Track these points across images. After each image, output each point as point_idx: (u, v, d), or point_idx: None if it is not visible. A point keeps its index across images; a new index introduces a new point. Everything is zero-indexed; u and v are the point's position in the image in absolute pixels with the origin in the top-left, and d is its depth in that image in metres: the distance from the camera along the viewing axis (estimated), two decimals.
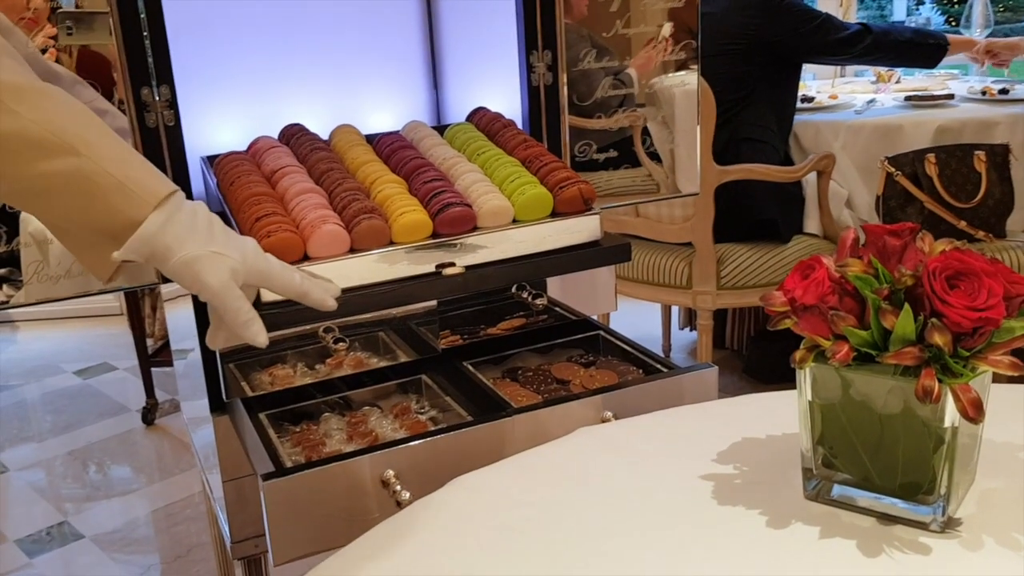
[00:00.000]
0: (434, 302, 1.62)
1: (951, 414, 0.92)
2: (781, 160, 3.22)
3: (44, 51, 1.51)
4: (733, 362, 3.89)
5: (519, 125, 1.82)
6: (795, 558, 0.94)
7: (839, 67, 4.29)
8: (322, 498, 1.36)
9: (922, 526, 0.96)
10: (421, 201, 1.55)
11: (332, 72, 1.93)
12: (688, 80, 1.99)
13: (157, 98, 1.54)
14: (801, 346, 0.98)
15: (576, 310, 1.78)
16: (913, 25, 4.05)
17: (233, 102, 1.86)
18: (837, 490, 1.02)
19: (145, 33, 1.51)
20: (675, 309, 4.05)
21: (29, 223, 1.52)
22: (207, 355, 1.62)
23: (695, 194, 2.13)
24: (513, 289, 1.69)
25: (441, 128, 1.84)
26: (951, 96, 3.58)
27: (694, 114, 2.03)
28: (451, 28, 1.99)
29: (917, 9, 9.01)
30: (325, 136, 1.81)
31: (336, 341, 1.57)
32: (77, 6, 1.53)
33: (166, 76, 1.54)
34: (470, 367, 1.72)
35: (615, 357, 1.78)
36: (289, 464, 1.48)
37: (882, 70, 3.98)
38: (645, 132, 1.99)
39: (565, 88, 1.83)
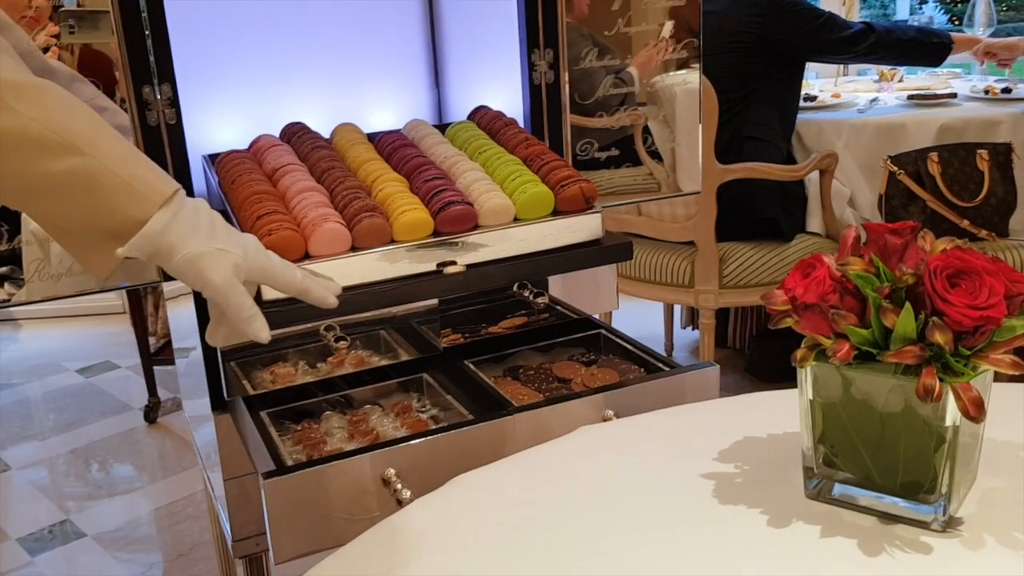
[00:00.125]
0: (435, 300, 1.62)
1: (952, 413, 0.92)
2: (784, 159, 3.22)
3: (46, 50, 1.51)
4: (735, 361, 3.89)
5: (520, 124, 1.82)
6: (796, 557, 0.94)
7: (842, 66, 4.28)
8: (323, 497, 1.36)
9: (923, 525, 0.96)
10: (422, 199, 1.55)
11: (333, 71, 1.93)
12: (690, 79, 1.99)
13: (159, 96, 1.54)
14: (802, 345, 0.98)
15: (577, 309, 1.78)
16: (916, 24, 4.04)
17: (235, 101, 1.86)
18: (838, 489, 1.02)
19: (147, 31, 1.51)
20: (677, 308, 4.04)
21: (31, 221, 1.52)
22: (209, 354, 1.62)
23: (697, 192, 2.12)
24: (514, 288, 1.69)
25: (442, 127, 1.84)
26: (954, 95, 3.58)
27: (696, 113, 2.03)
28: (452, 26, 1.99)
29: (920, 8, 9.00)
30: (326, 135, 1.81)
31: (337, 339, 1.57)
32: (79, 5, 1.53)
33: (168, 74, 1.54)
34: (471, 366, 1.72)
35: (616, 356, 1.78)
36: (290, 463, 1.49)
37: (885, 69, 3.98)
38: (646, 131, 1.98)
39: (567, 87, 1.83)
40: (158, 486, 3.32)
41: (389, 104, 2.01)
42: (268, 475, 1.34)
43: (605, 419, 1.50)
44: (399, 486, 1.38)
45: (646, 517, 1.03)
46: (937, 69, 3.93)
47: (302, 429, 1.63)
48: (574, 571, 0.95)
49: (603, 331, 1.82)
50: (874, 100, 3.65)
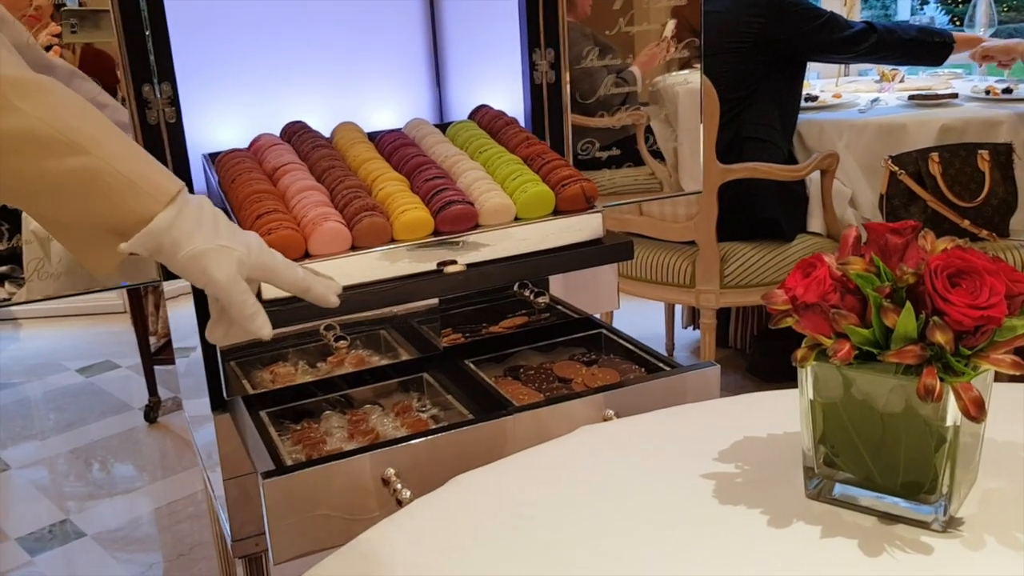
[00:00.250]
0: (435, 300, 1.62)
1: (953, 413, 0.92)
2: (785, 159, 3.22)
3: (48, 48, 1.51)
4: (736, 361, 3.89)
5: (521, 123, 1.82)
6: (796, 557, 0.93)
7: (843, 66, 4.28)
8: (323, 496, 1.36)
9: (924, 525, 0.96)
10: (423, 199, 1.55)
11: (334, 70, 1.93)
12: (691, 78, 1.99)
13: (159, 95, 1.54)
14: (803, 345, 0.98)
15: (578, 308, 1.78)
16: (917, 24, 4.04)
17: (235, 100, 1.86)
18: (839, 489, 1.02)
19: (147, 30, 1.51)
20: (678, 308, 4.04)
21: (31, 220, 1.52)
22: (208, 353, 1.62)
23: (698, 192, 2.12)
24: (515, 287, 1.69)
25: (443, 126, 1.84)
26: (955, 95, 3.58)
27: (697, 112, 2.03)
28: (453, 26, 1.99)
29: (921, 8, 9.01)
30: (327, 134, 1.80)
31: (337, 339, 1.57)
32: (81, 4, 1.53)
33: (168, 73, 1.54)
34: (471, 365, 1.72)
35: (617, 355, 1.77)
36: (290, 462, 1.48)
37: (886, 69, 3.98)
38: (648, 130, 1.98)
39: (568, 86, 1.82)
40: (158, 486, 3.32)
41: (390, 103, 2.01)
42: (267, 475, 1.34)
43: (605, 419, 1.50)
44: (399, 486, 1.38)
45: (646, 517, 1.03)
46: (938, 69, 3.93)
47: (302, 429, 1.63)
48: (574, 571, 0.95)
49: (604, 331, 1.82)
50: (875, 100, 3.64)
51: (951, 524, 0.96)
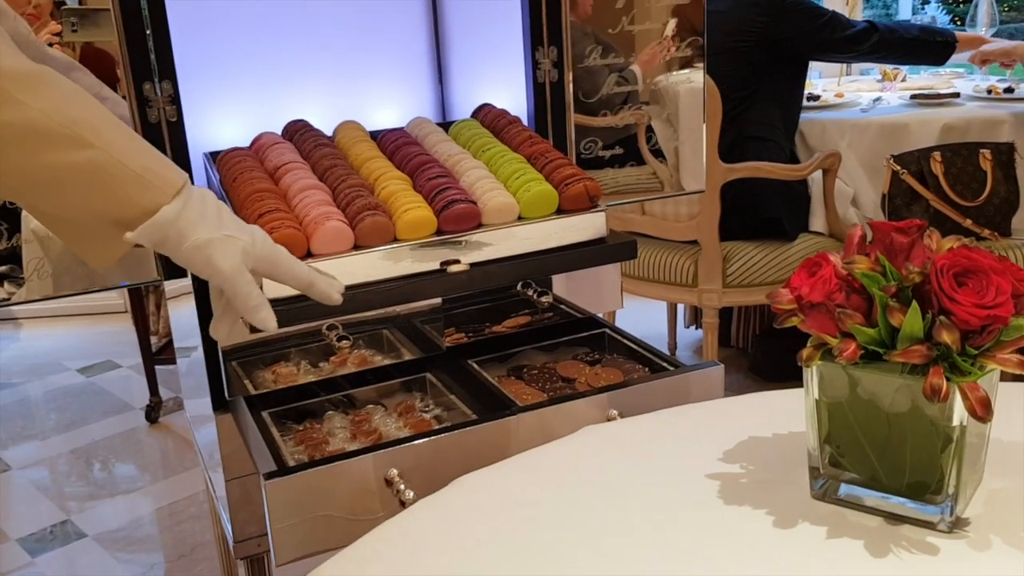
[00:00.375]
0: (438, 300, 1.62)
1: (959, 413, 0.91)
2: (787, 158, 3.22)
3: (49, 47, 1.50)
4: (739, 360, 3.88)
5: (524, 122, 1.81)
6: (801, 558, 0.93)
7: (845, 65, 4.28)
8: (325, 497, 1.36)
9: (929, 526, 0.95)
10: (425, 198, 1.54)
11: (336, 68, 1.93)
12: (693, 78, 1.98)
13: (159, 93, 1.53)
14: (808, 344, 0.98)
15: (581, 308, 1.78)
16: (919, 23, 4.04)
17: (236, 98, 1.85)
18: (844, 489, 1.01)
19: (147, 27, 1.50)
20: (681, 307, 4.04)
21: (31, 219, 1.51)
22: (210, 353, 1.61)
23: (701, 191, 2.12)
24: (518, 287, 1.68)
25: (446, 125, 1.84)
26: (957, 95, 3.57)
27: (699, 112, 2.02)
28: (456, 24, 1.98)
29: (923, 8, 9.00)
30: (329, 133, 1.80)
31: (340, 339, 1.56)
32: (81, 3, 1.53)
33: (168, 71, 1.53)
34: (475, 365, 1.72)
35: (621, 355, 1.77)
36: (292, 463, 1.48)
37: (888, 68, 3.98)
38: (649, 130, 1.98)
39: (570, 85, 1.82)
40: (159, 486, 3.32)
41: (392, 102, 2.00)
42: (270, 476, 1.33)
43: (609, 419, 1.49)
44: (402, 487, 1.38)
45: (650, 517, 1.02)
46: (940, 69, 3.93)
47: (304, 429, 1.63)
48: (578, 572, 0.94)
49: (607, 330, 1.82)
50: (877, 100, 3.64)
51: (957, 525, 0.95)
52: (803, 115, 3.42)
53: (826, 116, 3.46)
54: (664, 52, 1.93)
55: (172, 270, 1.59)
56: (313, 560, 1.20)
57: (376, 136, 1.78)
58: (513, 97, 1.85)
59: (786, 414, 1.19)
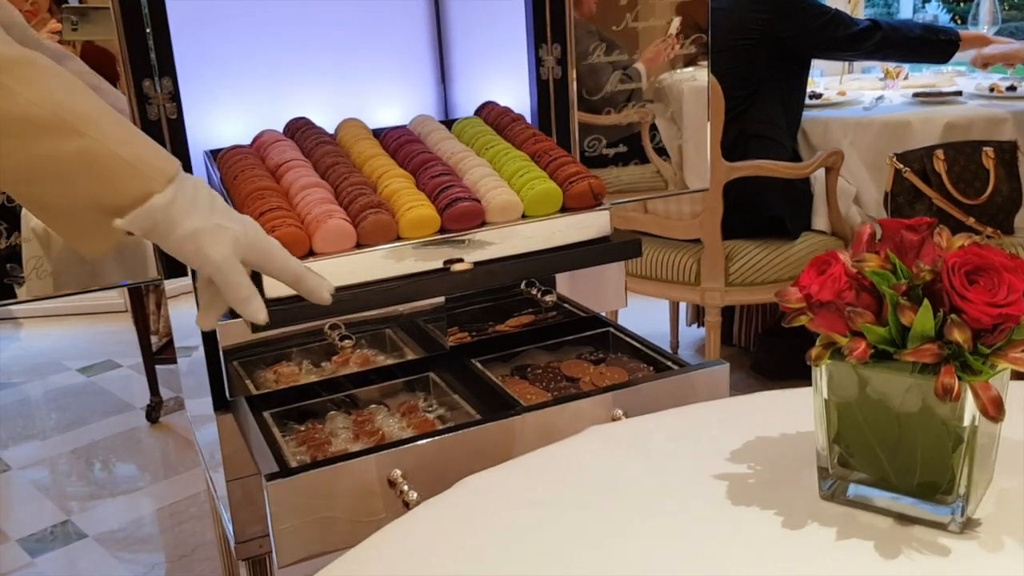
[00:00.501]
0: (442, 298, 1.61)
1: (970, 412, 0.90)
2: (789, 156, 3.21)
3: None
4: (741, 359, 3.88)
5: (528, 119, 1.80)
6: (811, 560, 0.92)
7: (847, 63, 4.28)
8: (328, 499, 1.35)
9: (941, 527, 0.94)
10: (429, 196, 1.53)
11: (338, 66, 1.92)
12: (697, 76, 1.97)
13: (159, 90, 1.52)
14: (817, 343, 0.97)
15: (585, 307, 1.77)
16: (920, 22, 4.04)
17: (238, 96, 1.84)
18: (853, 490, 1.00)
19: (148, 27, 1.49)
20: (683, 305, 4.04)
21: (31, 218, 1.50)
22: (211, 353, 1.60)
23: (705, 190, 2.11)
24: (522, 285, 1.67)
25: (449, 122, 1.83)
26: (959, 93, 3.57)
27: (702, 110, 2.02)
28: (459, 21, 1.98)
29: (923, 7, 8.99)
30: (331, 130, 1.79)
31: (342, 338, 1.56)
32: (81, 1, 1.52)
33: (168, 68, 1.52)
34: (478, 364, 1.71)
35: (625, 354, 1.76)
36: (294, 464, 1.47)
37: (890, 67, 3.97)
38: (653, 128, 1.97)
39: (574, 83, 1.81)
40: (160, 486, 3.31)
41: (394, 100, 2.00)
42: (271, 477, 1.32)
43: (614, 419, 1.48)
44: (406, 487, 1.37)
45: (657, 519, 1.02)
46: (943, 67, 3.92)
47: (306, 429, 1.62)
48: (584, 573, 0.94)
49: (611, 329, 1.81)
50: (879, 98, 3.64)
51: (968, 525, 0.95)
52: (805, 113, 3.42)
53: (828, 114, 3.46)
54: (668, 50, 1.92)
55: (172, 269, 1.58)
56: (316, 562, 1.19)
57: (378, 134, 1.77)
58: (516, 95, 1.84)
59: (793, 413, 1.18)
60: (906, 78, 3.98)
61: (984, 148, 3.08)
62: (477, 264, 1.51)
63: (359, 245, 1.47)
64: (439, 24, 2.01)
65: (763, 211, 3.13)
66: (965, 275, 0.89)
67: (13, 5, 1.38)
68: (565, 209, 1.57)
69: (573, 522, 1.02)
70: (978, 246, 0.93)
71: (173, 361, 3.61)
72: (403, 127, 1.81)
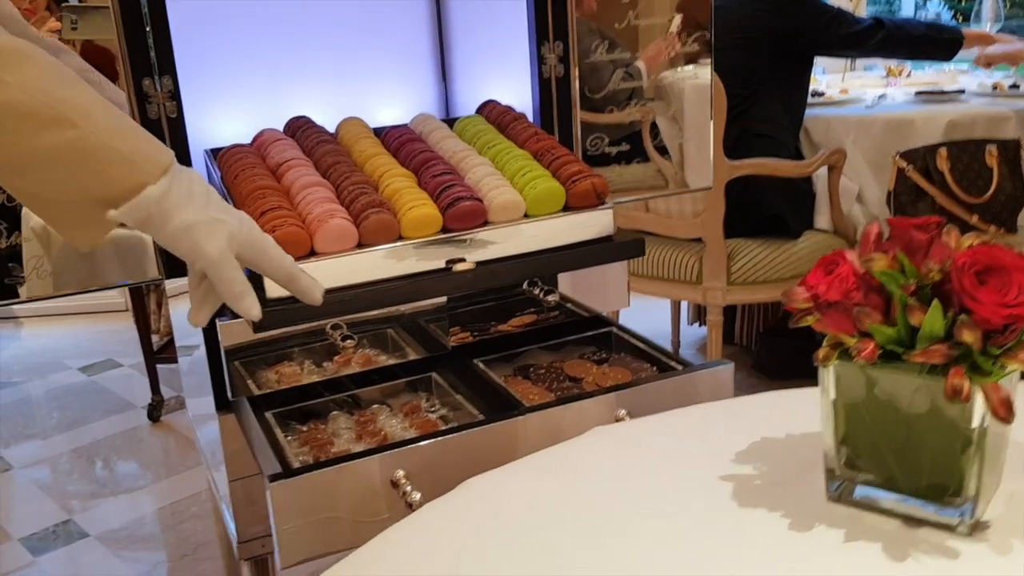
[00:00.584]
0: (444, 298, 1.60)
1: (980, 414, 0.89)
2: (792, 155, 3.20)
3: None
4: (742, 358, 3.87)
5: (530, 118, 1.79)
6: (817, 561, 0.91)
7: (849, 61, 4.27)
8: (330, 499, 1.34)
9: (949, 529, 0.94)
10: (431, 195, 1.52)
11: (339, 64, 1.91)
12: (699, 74, 1.96)
13: (159, 89, 1.51)
14: (824, 344, 0.96)
15: (588, 306, 1.76)
16: (923, 20, 4.03)
17: (238, 95, 1.83)
18: (860, 491, 0.99)
19: (147, 26, 1.49)
20: (684, 304, 4.03)
21: (31, 218, 1.50)
22: (212, 352, 1.60)
23: (707, 188, 2.10)
24: (524, 285, 1.67)
25: (450, 121, 1.82)
26: (962, 91, 3.57)
27: (704, 108, 2.01)
28: (460, 20, 1.97)
29: (925, 4, 8.98)
30: (332, 129, 1.78)
31: (344, 338, 1.55)
32: (81, 0, 1.51)
33: (168, 66, 1.52)
34: (481, 365, 1.70)
35: (628, 354, 1.75)
36: (296, 464, 1.46)
37: (892, 65, 3.97)
38: (654, 127, 1.96)
39: (577, 81, 1.80)
40: (162, 485, 3.31)
41: (396, 99, 1.99)
42: (274, 478, 1.32)
43: (618, 419, 1.48)
44: (408, 488, 1.36)
45: (661, 520, 1.01)
46: (945, 65, 3.92)
47: (308, 430, 1.61)
48: (588, 575, 0.93)
49: (614, 329, 1.80)
50: (882, 96, 3.63)
51: (977, 528, 0.94)
52: (808, 111, 3.40)
53: (831, 112, 3.45)
54: (670, 48, 1.91)
55: (173, 269, 1.57)
56: (318, 563, 1.18)
57: (380, 133, 1.76)
58: (518, 93, 1.83)
59: (799, 414, 1.17)
60: (908, 76, 3.97)
61: (988, 146, 3.08)
62: (479, 264, 1.51)
63: (361, 245, 1.46)
64: (440, 22, 2.00)
65: (765, 210, 3.12)
66: (975, 275, 0.88)
67: (11, 3, 1.37)
68: (568, 208, 1.56)
69: (578, 523, 1.02)
70: (988, 246, 0.92)
71: (174, 360, 3.61)
72: (404, 126, 1.80)
